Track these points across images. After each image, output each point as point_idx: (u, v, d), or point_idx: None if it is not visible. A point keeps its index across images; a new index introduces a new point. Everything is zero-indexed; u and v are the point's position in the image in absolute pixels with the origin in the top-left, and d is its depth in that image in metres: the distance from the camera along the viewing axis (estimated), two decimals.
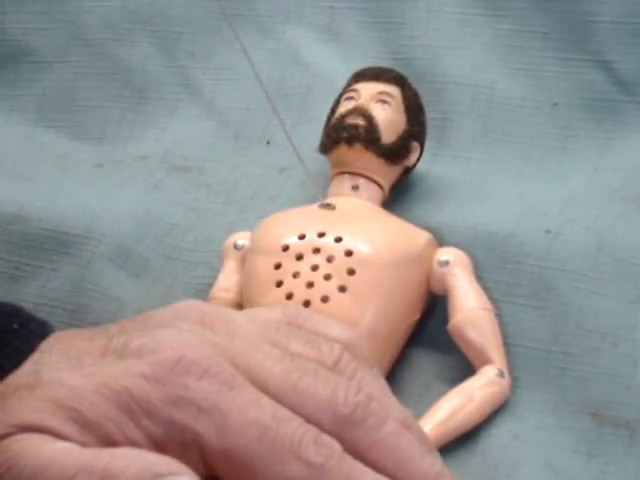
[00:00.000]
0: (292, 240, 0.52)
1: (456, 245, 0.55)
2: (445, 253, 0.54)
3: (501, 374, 0.51)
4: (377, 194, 0.56)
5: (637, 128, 0.60)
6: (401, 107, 0.56)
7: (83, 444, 0.36)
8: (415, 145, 0.57)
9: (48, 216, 0.60)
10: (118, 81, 0.68)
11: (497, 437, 0.50)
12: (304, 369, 0.38)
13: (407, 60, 0.63)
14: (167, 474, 0.34)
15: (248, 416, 0.36)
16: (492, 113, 0.62)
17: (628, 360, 0.50)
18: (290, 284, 0.51)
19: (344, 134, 0.55)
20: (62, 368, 0.37)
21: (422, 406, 0.50)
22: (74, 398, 0.36)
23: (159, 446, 0.36)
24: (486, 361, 0.51)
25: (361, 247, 0.52)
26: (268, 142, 0.64)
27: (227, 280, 0.55)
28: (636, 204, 0.56)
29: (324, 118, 0.58)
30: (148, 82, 0.67)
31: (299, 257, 0.52)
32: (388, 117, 0.56)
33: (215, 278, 0.56)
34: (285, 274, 0.51)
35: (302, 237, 0.52)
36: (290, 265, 0.52)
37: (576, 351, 0.51)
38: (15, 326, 0.42)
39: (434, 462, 0.38)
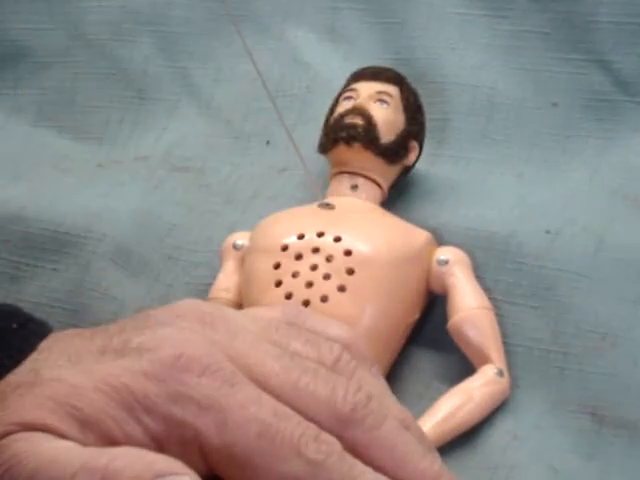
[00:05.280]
0: (291, 240, 0.52)
1: (456, 245, 0.55)
2: (444, 252, 0.54)
3: (500, 373, 0.51)
4: (376, 194, 0.56)
5: (637, 128, 0.60)
6: (400, 106, 0.56)
7: (83, 441, 0.36)
8: (414, 144, 0.57)
9: (48, 216, 0.60)
10: (118, 81, 0.67)
11: (496, 437, 0.50)
12: (304, 368, 0.38)
13: (407, 60, 0.63)
14: (168, 474, 0.35)
15: (248, 413, 0.36)
16: (492, 113, 0.62)
17: (627, 360, 0.51)
18: (289, 284, 0.51)
19: (343, 134, 0.55)
20: (62, 366, 0.37)
21: (421, 406, 0.50)
22: (74, 395, 0.36)
23: (159, 443, 0.36)
24: (486, 360, 0.51)
25: (360, 247, 0.52)
26: (268, 142, 0.64)
27: (227, 280, 0.55)
28: (636, 204, 0.56)
29: (324, 118, 0.58)
30: (148, 82, 0.67)
31: (298, 257, 0.52)
32: (387, 116, 0.56)
33: (215, 278, 0.56)
34: (284, 274, 0.51)
35: (301, 237, 0.52)
36: (289, 265, 0.52)
37: (575, 351, 0.51)
38: (14, 326, 0.42)
39: (433, 462, 0.38)
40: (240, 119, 0.65)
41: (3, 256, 0.59)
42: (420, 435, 0.40)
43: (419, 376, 0.53)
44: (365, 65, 0.59)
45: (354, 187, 0.55)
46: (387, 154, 0.55)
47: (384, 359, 0.51)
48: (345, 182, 0.56)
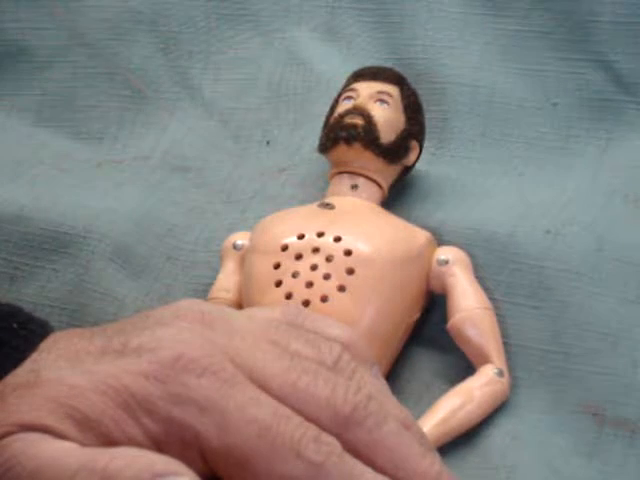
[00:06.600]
0: (291, 240, 0.52)
1: (456, 245, 0.55)
2: (444, 252, 0.54)
3: (501, 373, 0.51)
4: (376, 193, 0.56)
5: (637, 128, 0.60)
6: (400, 106, 0.56)
7: (82, 442, 0.36)
8: (414, 144, 0.57)
9: (48, 216, 0.60)
10: (118, 81, 0.67)
11: (496, 437, 0.50)
12: (304, 368, 0.38)
13: (407, 60, 0.63)
14: (167, 474, 0.35)
15: (248, 414, 0.36)
16: (492, 113, 0.62)
17: (628, 360, 0.50)
18: (289, 284, 0.51)
19: (343, 133, 0.55)
20: (61, 367, 0.37)
21: (422, 406, 0.50)
22: (73, 396, 0.36)
23: (159, 444, 0.36)
24: (486, 360, 0.51)
25: (360, 246, 0.52)
26: (268, 142, 0.64)
27: (227, 280, 0.55)
28: (636, 204, 0.56)
29: (324, 118, 0.58)
30: (148, 82, 0.67)
31: (298, 257, 0.52)
32: (387, 116, 0.56)
33: (215, 278, 0.56)
34: (284, 274, 0.51)
35: (301, 237, 0.52)
36: (289, 265, 0.52)
37: (576, 351, 0.51)
38: (14, 326, 0.42)
39: (433, 462, 0.38)
40: (240, 119, 0.65)
41: (3, 256, 0.59)
42: (420, 435, 0.40)
43: (419, 376, 0.53)
44: (365, 65, 0.59)
45: (354, 187, 0.55)
46: (387, 154, 0.55)
47: (384, 359, 0.51)
48: (345, 182, 0.56)
